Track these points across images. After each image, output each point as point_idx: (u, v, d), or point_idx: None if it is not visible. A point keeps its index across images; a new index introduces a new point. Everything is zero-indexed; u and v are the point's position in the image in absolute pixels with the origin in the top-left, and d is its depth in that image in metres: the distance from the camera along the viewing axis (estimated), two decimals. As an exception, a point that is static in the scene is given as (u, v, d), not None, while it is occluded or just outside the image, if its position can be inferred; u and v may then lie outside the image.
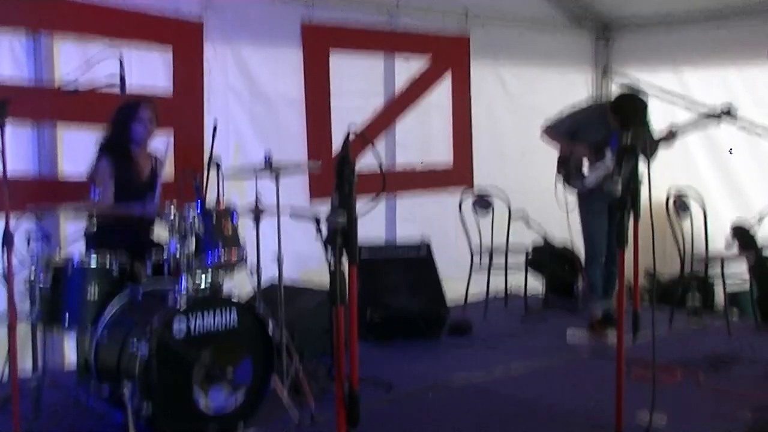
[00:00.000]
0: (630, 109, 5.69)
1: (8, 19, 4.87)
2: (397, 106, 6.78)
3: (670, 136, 5.65)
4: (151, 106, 4.72)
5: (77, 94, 4.00)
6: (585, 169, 5.89)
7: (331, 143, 6.23)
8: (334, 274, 2.71)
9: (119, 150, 4.65)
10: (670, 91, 7.10)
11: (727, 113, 5.54)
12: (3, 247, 3.54)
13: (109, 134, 4.69)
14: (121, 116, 4.66)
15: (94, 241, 4.47)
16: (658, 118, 5.96)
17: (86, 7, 5.12)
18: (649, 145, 5.56)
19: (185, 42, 5.57)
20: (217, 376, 3.87)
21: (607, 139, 5.72)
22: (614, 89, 8.24)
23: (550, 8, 7.81)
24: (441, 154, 7.13)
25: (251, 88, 5.97)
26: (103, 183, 4.56)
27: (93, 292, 4.09)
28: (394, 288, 5.95)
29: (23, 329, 4.14)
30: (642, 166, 3.74)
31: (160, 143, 4.96)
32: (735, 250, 6.37)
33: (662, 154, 5.68)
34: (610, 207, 5.64)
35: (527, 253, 6.90)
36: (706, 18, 7.18)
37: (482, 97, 7.34)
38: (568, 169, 5.97)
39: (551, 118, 6.06)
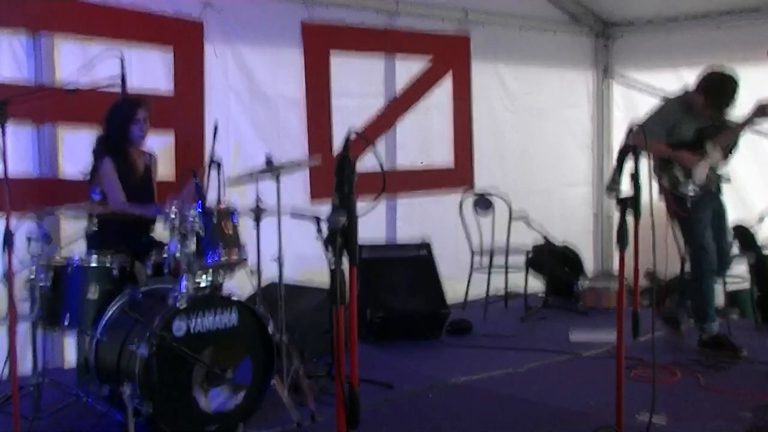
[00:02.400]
0: (720, 86, 5.31)
1: (8, 20, 4.87)
2: (397, 106, 6.78)
3: (760, 112, 5.25)
4: (147, 106, 4.74)
5: (78, 94, 4.00)
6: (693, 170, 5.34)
7: (331, 143, 6.23)
8: (334, 274, 2.71)
9: (117, 150, 4.66)
10: (670, 91, 7.10)
11: None
12: (3, 247, 3.54)
13: (107, 135, 4.69)
14: (119, 117, 4.67)
15: (94, 241, 4.47)
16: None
17: (86, 7, 5.12)
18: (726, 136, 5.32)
19: (185, 42, 5.57)
20: (217, 376, 3.87)
21: (702, 131, 5.33)
22: (616, 89, 8.28)
23: (550, 8, 7.82)
24: (441, 154, 7.13)
25: (251, 88, 5.97)
26: (111, 184, 4.57)
27: (93, 292, 4.09)
28: (394, 288, 5.95)
29: (23, 329, 4.15)
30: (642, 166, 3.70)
31: (160, 142, 4.97)
32: (735, 250, 6.36)
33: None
34: (714, 211, 5.45)
35: (527, 253, 6.90)
36: (706, 18, 7.18)
37: (482, 97, 7.34)
38: (673, 176, 5.34)
39: (639, 123, 5.23)
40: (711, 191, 5.42)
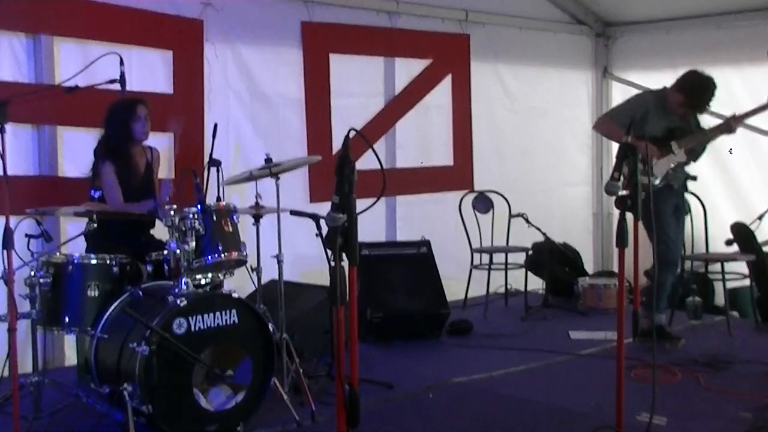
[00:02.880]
0: (700, 87, 5.34)
1: (8, 21, 4.87)
2: (397, 106, 6.78)
3: (727, 127, 5.36)
4: (146, 104, 4.73)
5: (77, 94, 4.00)
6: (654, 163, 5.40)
7: (331, 143, 6.23)
8: (334, 274, 2.71)
9: (118, 150, 4.66)
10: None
11: None
12: (3, 247, 3.54)
13: (108, 135, 4.70)
14: (119, 116, 4.67)
15: (94, 240, 4.47)
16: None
17: (86, 7, 5.12)
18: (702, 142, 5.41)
19: (185, 42, 5.58)
20: (217, 376, 3.87)
21: (672, 130, 5.42)
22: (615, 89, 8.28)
23: (550, 8, 7.82)
24: (441, 154, 7.13)
25: (251, 88, 5.97)
26: (110, 187, 4.57)
27: (93, 291, 4.08)
28: (394, 287, 5.95)
29: (23, 329, 4.15)
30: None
31: (160, 142, 4.97)
32: (735, 250, 6.36)
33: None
34: (677, 206, 5.52)
35: (527, 253, 6.90)
36: (706, 18, 7.18)
37: (482, 98, 7.34)
38: (631, 165, 5.54)
39: (607, 111, 5.67)
40: (672, 187, 5.47)
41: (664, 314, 5.64)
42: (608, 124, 5.53)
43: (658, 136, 5.40)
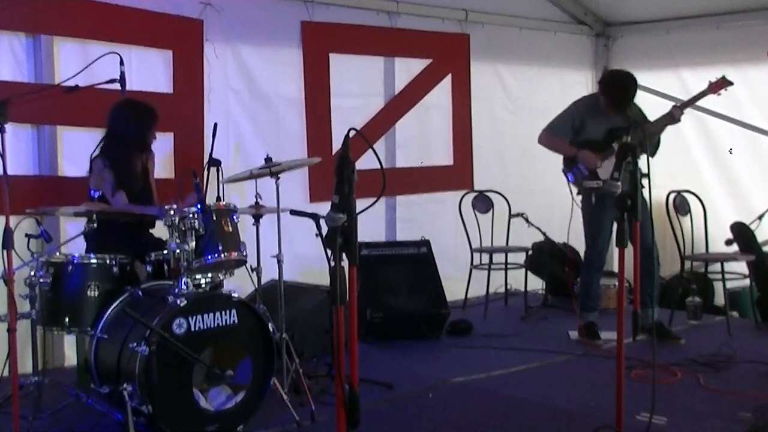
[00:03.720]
0: (619, 86, 5.46)
1: (8, 20, 4.87)
2: (397, 106, 6.78)
3: (671, 117, 5.41)
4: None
5: (77, 94, 4.00)
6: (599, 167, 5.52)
7: (331, 143, 6.23)
8: (334, 274, 2.71)
9: (120, 152, 4.65)
10: (669, 91, 7.11)
11: (723, 79, 5.38)
12: (3, 247, 3.54)
13: (120, 135, 4.66)
14: (143, 120, 4.67)
15: (94, 240, 4.47)
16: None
17: (86, 7, 5.12)
18: (646, 135, 5.36)
19: (185, 42, 5.57)
20: (217, 376, 3.87)
21: (613, 130, 5.47)
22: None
23: (550, 8, 7.82)
24: (441, 154, 7.13)
25: (251, 88, 5.97)
26: (112, 187, 4.57)
27: (93, 291, 4.09)
28: (394, 288, 5.95)
29: (23, 329, 4.15)
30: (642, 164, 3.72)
31: (160, 142, 4.97)
32: (735, 250, 6.37)
33: (662, 153, 5.66)
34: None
35: (527, 253, 6.90)
36: (706, 18, 7.18)
37: (482, 97, 7.34)
38: (577, 174, 5.64)
39: (548, 123, 5.75)
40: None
41: (594, 313, 5.82)
42: (549, 136, 5.66)
43: (599, 138, 5.51)
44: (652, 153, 5.54)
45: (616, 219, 5.34)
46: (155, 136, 4.79)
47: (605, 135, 5.53)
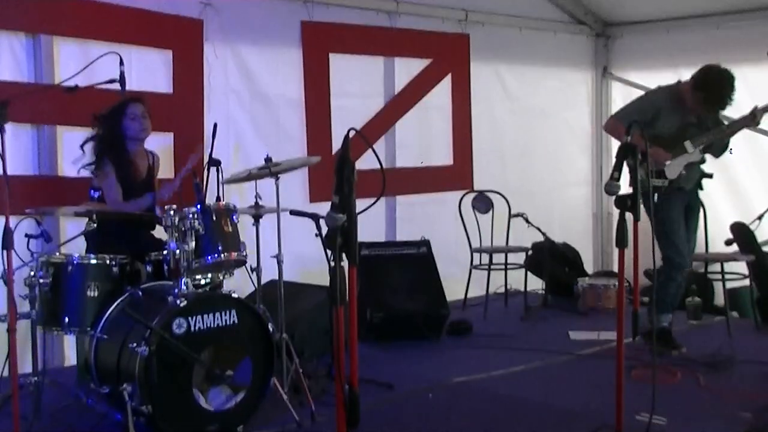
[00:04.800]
0: (718, 83, 5.09)
1: (8, 21, 4.87)
2: (397, 106, 6.78)
3: (752, 118, 5.15)
4: (141, 102, 4.71)
5: (77, 94, 4.00)
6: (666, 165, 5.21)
7: (331, 143, 6.23)
8: (334, 274, 2.71)
9: (116, 151, 4.65)
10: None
11: None
12: (3, 247, 3.54)
13: (102, 136, 4.66)
14: (111, 117, 4.65)
15: (94, 240, 4.47)
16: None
17: (86, 7, 5.12)
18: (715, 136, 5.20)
19: (185, 42, 5.57)
20: (217, 376, 3.87)
21: (686, 127, 5.22)
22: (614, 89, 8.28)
23: (550, 8, 7.82)
24: (441, 154, 7.13)
25: (251, 88, 5.97)
26: (109, 185, 4.57)
27: (93, 291, 4.08)
28: (394, 287, 5.95)
29: (23, 329, 4.15)
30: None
31: (160, 142, 4.97)
32: (735, 250, 6.36)
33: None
34: (687, 207, 5.36)
35: (527, 253, 6.90)
36: (706, 18, 7.18)
37: (482, 97, 7.34)
38: (644, 168, 5.05)
39: (618, 110, 5.41)
40: (683, 189, 5.29)
41: (669, 316, 5.47)
42: (615, 123, 5.25)
43: (671, 134, 5.22)
44: (718, 154, 5.41)
45: (688, 209, 5.30)
46: (141, 125, 4.68)
47: (677, 132, 5.24)
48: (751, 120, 5.18)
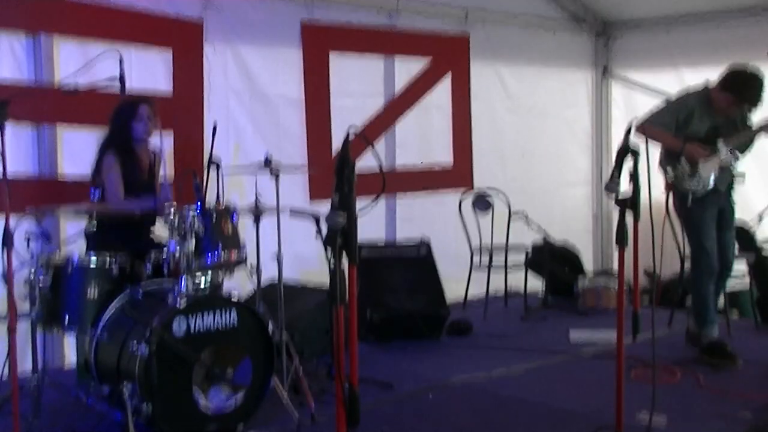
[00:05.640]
0: (748, 84, 5.10)
1: (8, 20, 4.87)
2: (397, 106, 6.78)
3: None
4: (150, 104, 4.74)
5: (77, 94, 4.00)
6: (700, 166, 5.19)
7: (331, 143, 6.23)
8: (334, 274, 2.71)
9: (122, 148, 4.66)
10: (669, 90, 7.10)
11: None
12: (3, 247, 3.54)
13: (110, 133, 4.70)
14: (121, 115, 4.68)
15: (94, 240, 4.47)
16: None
17: (86, 7, 5.12)
18: (743, 137, 5.21)
19: (185, 42, 5.57)
20: (217, 376, 3.87)
21: (716, 129, 5.21)
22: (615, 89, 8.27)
23: (550, 8, 7.82)
24: (441, 154, 7.13)
25: (251, 88, 5.97)
26: (111, 180, 4.56)
27: (93, 292, 4.09)
28: (394, 288, 5.95)
29: (23, 329, 4.15)
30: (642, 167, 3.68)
31: (160, 141, 4.95)
32: (735, 250, 6.36)
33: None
34: (720, 211, 5.32)
35: (527, 253, 6.90)
36: (706, 18, 7.18)
37: (482, 97, 7.34)
38: (678, 170, 5.21)
39: (646, 114, 5.36)
40: (718, 190, 5.28)
41: (715, 326, 5.34)
42: (652, 128, 5.17)
43: (701, 136, 5.22)
44: (743, 152, 5.38)
45: (720, 211, 5.28)
46: (147, 127, 4.69)
47: (708, 133, 5.23)
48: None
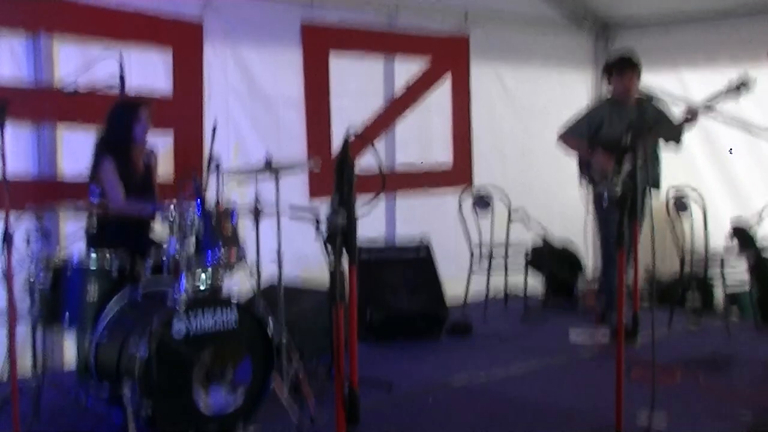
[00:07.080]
0: (614, 60, 5.58)
1: (8, 20, 4.87)
2: (396, 106, 6.78)
3: (690, 116, 5.42)
4: (149, 105, 4.73)
5: (77, 94, 4.00)
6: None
7: (331, 143, 6.23)
8: (334, 274, 2.71)
9: (119, 149, 4.66)
10: (670, 91, 7.10)
11: (744, 85, 5.33)
12: (3, 247, 3.54)
13: (109, 134, 4.69)
14: (122, 117, 4.66)
15: (94, 240, 4.47)
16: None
17: (86, 7, 5.12)
18: (665, 127, 5.43)
19: (185, 42, 5.57)
20: (217, 376, 3.87)
21: (629, 126, 5.23)
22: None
23: (549, 8, 7.81)
24: (441, 154, 7.13)
25: (251, 88, 5.97)
26: (111, 184, 4.56)
27: (93, 292, 4.09)
28: (394, 288, 5.95)
29: (23, 329, 4.15)
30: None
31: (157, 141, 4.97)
32: (735, 250, 6.36)
33: (662, 153, 5.65)
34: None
35: (527, 253, 6.90)
36: (706, 18, 7.17)
37: (482, 97, 7.33)
38: (592, 175, 5.69)
39: (566, 123, 5.75)
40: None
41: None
42: (569, 138, 5.70)
43: (617, 137, 5.32)
44: (677, 141, 5.63)
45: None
46: (145, 129, 4.70)
47: (626, 131, 5.37)
48: (692, 117, 5.47)
